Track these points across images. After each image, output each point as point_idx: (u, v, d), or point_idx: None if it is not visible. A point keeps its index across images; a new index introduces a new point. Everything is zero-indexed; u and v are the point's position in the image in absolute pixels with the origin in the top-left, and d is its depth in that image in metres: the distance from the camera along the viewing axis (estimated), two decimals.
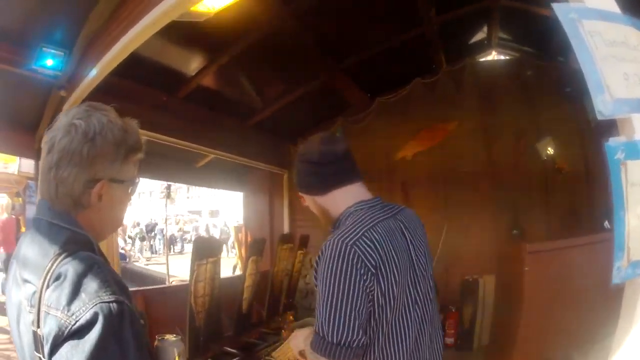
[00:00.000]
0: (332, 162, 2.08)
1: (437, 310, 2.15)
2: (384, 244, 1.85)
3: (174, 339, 1.79)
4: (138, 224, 29.04)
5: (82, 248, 1.36)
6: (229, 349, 4.46)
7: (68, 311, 1.22)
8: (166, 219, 19.26)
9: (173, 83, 5.79)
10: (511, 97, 7.42)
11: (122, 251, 19.75)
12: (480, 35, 7.94)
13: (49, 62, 4.02)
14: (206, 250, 4.21)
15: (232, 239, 18.86)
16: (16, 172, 11.50)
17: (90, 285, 1.26)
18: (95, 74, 3.89)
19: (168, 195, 17.88)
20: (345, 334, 1.73)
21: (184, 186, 36.95)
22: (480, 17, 7.23)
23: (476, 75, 7.69)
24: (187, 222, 36.55)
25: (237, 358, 4.31)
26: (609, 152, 1.29)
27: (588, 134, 6.74)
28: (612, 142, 1.32)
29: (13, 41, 3.94)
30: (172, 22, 3.48)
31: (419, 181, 7.67)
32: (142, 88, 5.40)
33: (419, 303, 1.98)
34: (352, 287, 1.75)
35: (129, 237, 26.82)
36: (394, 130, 7.82)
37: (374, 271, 1.78)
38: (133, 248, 26.04)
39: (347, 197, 2.06)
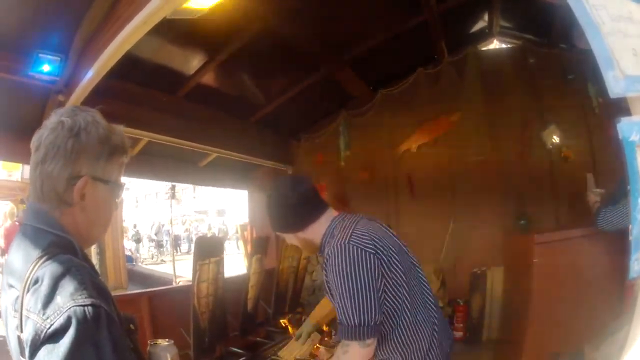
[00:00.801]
0: (307, 201, 2.49)
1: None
2: (372, 232, 2.33)
3: (166, 343, 1.76)
4: (135, 226, 29.01)
5: (62, 251, 1.35)
6: (235, 349, 4.42)
7: (43, 314, 1.21)
8: (171, 220, 19.26)
9: (172, 83, 5.78)
10: (514, 85, 7.36)
11: (129, 253, 19.78)
12: (481, 24, 7.90)
13: (46, 68, 4.05)
14: (208, 250, 4.16)
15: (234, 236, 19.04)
16: (20, 179, 11.54)
17: (66, 288, 1.25)
18: (91, 75, 3.90)
19: (173, 196, 17.91)
20: (364, 315, 2.14)
21: (190, 186, 37.04)
22: (481, 5, 7.21)
23: (479, 64, 7.63)
24: (194, 222, 36.61)
25: (243, 358, 4.27)
26: (623, 133, 1.19)
27: (593, 122, 6.71)
28: (626, 122, 1.22)
29: (9, 49, 3.94)
30: (169, 21, 3.45)
31: (424, 173, 7.64)
32: (141, 89, 5.39)
33: (415, 264, 2.54)
34: (361, 276, 2.17)
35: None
36: (398, 122, 7.84)
37: (374, 252, 2.24)
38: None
39: (324, 224, 2.48)
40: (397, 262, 2.32)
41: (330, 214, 2.50)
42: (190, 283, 4.07)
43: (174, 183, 15.96)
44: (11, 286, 1.35)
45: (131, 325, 1.48)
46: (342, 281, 2.16)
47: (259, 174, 8.86)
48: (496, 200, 7.16)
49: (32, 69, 4.00)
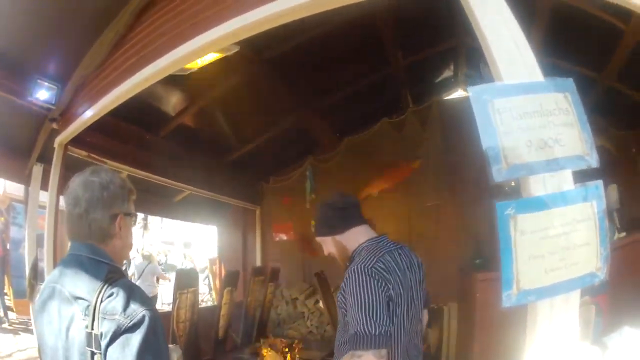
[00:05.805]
0: (351, 207, 2.92)
1: (421, 313, 3.00)
2: (391, 265, 2.60)
3: (172, 346, 2.28)
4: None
5: (121, 276, 1.94)
6: None
7: (124, 314, 1.77)
8: (142, 250, 19.21)
9: (155, 122, 6.13)
10: (476, 132, 7.69)
11: None
12: (447, 73, 8.30)
13: (43, 95, 4.24)
14: (187, 281, 4.60)
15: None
16: (0, 192, 11.27)
17: (137, 299, 1.83)
18: (91, 114, 4.13)
19: (145, 227, 17.94)
20: (381, 326, 2.36)
21: (157, 217, 36.43)
22: (447, 56, 7.61)
23: (442, 113, 8.00)
24: (161, 253, 36.12)
25: None
26: (499, 210, 1.60)
27: None
28: (501, 202, 1.69)
29: (12, 70, 4.11)
30: None
31: (384, 217, 7.72)
32: (128, 126, 5.70)
33: (414, 302, 2.76)
34: (376, 295, 2.43)
35: None
36: (361, 168, 8.10)
37: (388, 281, 2.50)
38: None
39: (360, 235, 2.85)
40: (401, 293, 2.57)
41: (369, 231, 2.89)
42: (162, 311, 4.40)
43: (149, 215, 16.05)
44: (79, 298, 1.84)
45: None
46: (361, 298, 2.42)
47: (229, 212, 9.29)
48: (454, 240, 7.50)
49: (30, 94, 4.18)
